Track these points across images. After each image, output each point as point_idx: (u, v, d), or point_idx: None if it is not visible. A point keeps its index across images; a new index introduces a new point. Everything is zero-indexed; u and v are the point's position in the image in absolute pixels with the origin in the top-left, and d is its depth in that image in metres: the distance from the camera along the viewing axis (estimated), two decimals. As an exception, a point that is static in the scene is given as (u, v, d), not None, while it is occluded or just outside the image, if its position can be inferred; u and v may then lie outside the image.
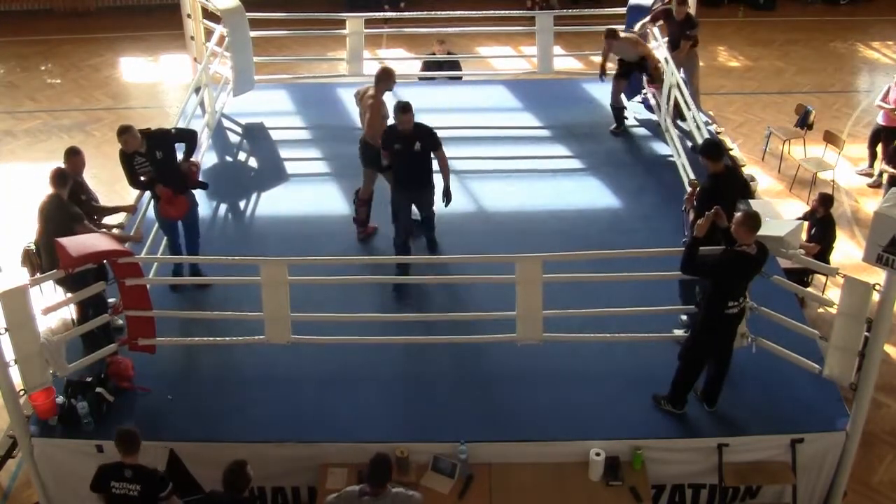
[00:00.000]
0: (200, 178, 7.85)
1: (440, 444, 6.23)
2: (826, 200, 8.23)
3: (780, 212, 8.82)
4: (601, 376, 6.77)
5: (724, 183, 6.61)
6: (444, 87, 11.48)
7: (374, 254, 8.15)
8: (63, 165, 7.05)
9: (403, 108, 7.20)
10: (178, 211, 7.46)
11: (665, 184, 8.93)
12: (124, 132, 7.16)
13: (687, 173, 8.51)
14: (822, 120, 11.54)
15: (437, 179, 7.67)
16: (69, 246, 6.16)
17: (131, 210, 7.73)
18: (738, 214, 5.96)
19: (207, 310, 7.30)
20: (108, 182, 9.94)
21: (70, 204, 6.68)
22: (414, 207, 7.76)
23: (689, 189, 7.03)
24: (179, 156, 7.57)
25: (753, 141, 11.64)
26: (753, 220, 5.78)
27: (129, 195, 8.48)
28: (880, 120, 10.44)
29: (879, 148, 10.56)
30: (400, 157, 7.42)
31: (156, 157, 7.22)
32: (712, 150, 6.68)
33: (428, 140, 7.38)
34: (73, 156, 7.19)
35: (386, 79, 7.94)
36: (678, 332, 6.74)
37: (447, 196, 7.61)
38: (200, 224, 7.92)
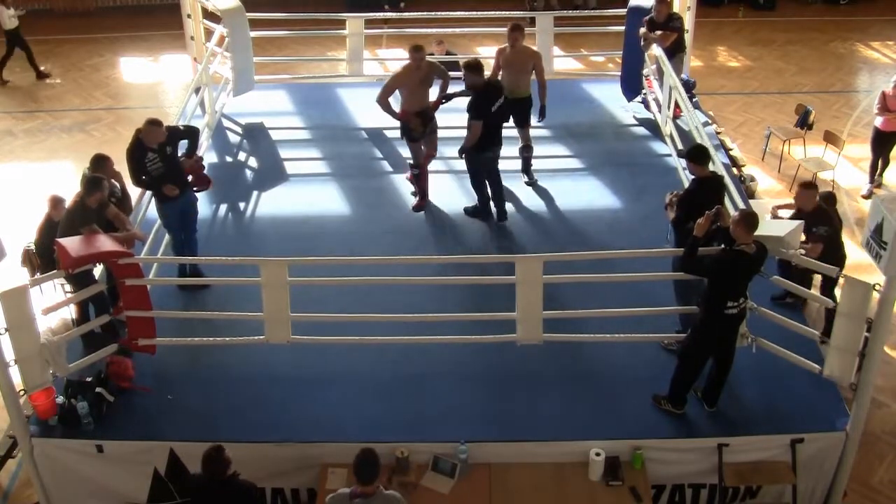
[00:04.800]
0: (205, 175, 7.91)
1: (440, 444, 6.23)
2: (829, 199, 8.17)
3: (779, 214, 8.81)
4: (601, 376, 6.77)
5: (708, 188, 6.65)
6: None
7: (376, 253, 8.14)
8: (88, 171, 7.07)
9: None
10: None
11: (665, 184, 8.90)
12: (159, 124, 7.16)
13: (686, 175, 8.51)
14: (822, 120, 11.54)
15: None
16: (69, 246, 6.17)
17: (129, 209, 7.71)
18: (736, 214, 5.97)
19: (207, 310, 7.31)
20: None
21: (89, 214, 6.59)
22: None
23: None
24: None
25: (753, 141, 11.64)
26: (751, 219, 5.80)
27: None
28: (878, 124, 10.29)
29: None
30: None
31: (166, 154, 7.25)
32: (699, 155, 6.75)
33: None
34: (100, 164, 7.20)
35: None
36: (669, 335, 6.78)
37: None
38: (201, 224, 7.93)
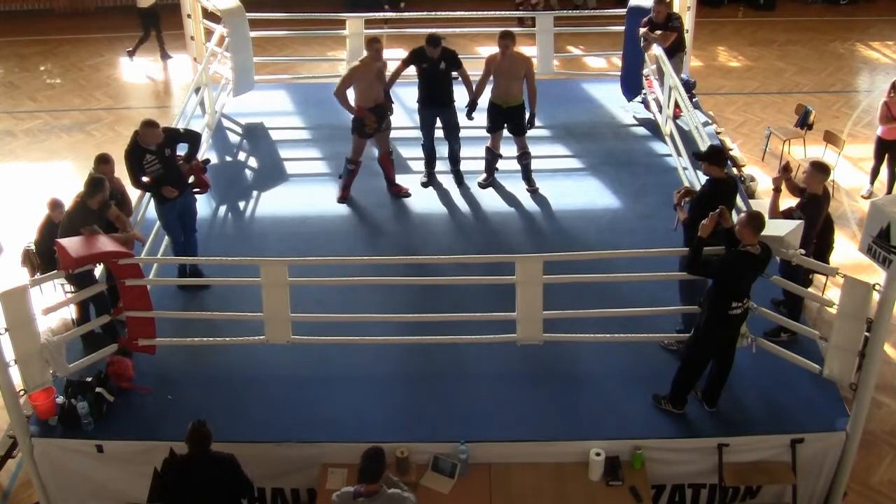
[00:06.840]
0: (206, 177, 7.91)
1: (440, 444, 6.23)
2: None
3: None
4: (601, 376, 6.77)
5: (723, 190, 6.64)
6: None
7: (376, 253, 8.15)
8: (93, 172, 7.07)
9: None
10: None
11: (665, 184, 8.92)
12: (154, 125, 7.15)
13: (686, 175, 8.53)
14: (822, 120, 11.54)
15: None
16: (69, 247, 6.17)
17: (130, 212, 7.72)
18: (741, 215, 5.97)
19: (207, 310, 7.31)
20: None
21: (90, 215, 6.60)
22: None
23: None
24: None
25: (753, 141, 11.63)
26: (757, 220, 5.79)
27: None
28: (879, 133, 10.22)
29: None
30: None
31: (164, 155, 7.25)
32: (718, 156, 6.72)
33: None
34: (103, 164, 7.21)
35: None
36: (669, 335, 6.78)
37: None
38: (201, 224, 7.93)
